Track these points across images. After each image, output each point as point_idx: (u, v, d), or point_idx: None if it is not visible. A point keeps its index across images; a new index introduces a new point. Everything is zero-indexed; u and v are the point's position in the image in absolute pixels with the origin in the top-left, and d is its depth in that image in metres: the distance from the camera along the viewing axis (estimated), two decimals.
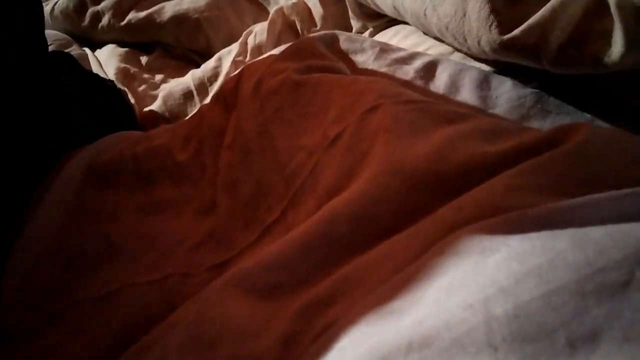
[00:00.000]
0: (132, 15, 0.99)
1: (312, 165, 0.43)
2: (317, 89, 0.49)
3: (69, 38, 1.05)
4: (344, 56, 0.58)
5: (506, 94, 0.50)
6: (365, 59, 0.56)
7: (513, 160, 0.32)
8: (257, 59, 0.63)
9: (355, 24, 0.81)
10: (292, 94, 0.49)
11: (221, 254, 0.43)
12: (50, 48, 0.98)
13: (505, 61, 0.52)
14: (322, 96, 0.48)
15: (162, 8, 0.99)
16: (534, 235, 0.24)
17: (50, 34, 1.02)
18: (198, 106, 0.78)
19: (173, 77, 0.92)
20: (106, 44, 1.03)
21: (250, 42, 0.84)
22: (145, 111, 0.82)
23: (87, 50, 1.01)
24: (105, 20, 1.00)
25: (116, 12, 1.00)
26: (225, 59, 0.84)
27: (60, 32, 1.07)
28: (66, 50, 0.98)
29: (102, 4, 1.01)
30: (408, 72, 0.55)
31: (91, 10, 1.01)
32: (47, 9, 1.07)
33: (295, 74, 0.50)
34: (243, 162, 0.48)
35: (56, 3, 1.06)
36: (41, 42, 0.65)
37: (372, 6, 0.72)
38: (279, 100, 0.49)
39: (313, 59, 0.54)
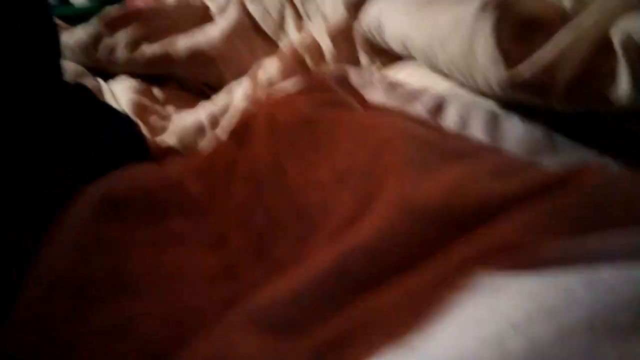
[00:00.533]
0: (145, 49, 1.02)
1: (323, 200, 0.44)
2: (328, 124, 0.50)
3: (84, 69, 1.07)
4: (354, 91, 0.59)
5: (515, 131, 0.51)
6: (374, 94, 0.57)
7: (524, 199, 0.33)
8: (269, 94, 0.64)
9: (363, 59, 0.83)
10: (305, 129, 0.50)
11: (232, 288, 0.43)
12: (66, 79, 1.00)
13: (512, 99, 0.53)
14: (333, 131, 0.49)
15: (176, 42, 1.01)
16: (545, 273, 0.24)
17: (66, 65, 1.04)
18: (209, 139, 0.80)
19: (185, 109, 0.94)
20: (120, 76, 1.05)
21: (261, 76, 0.86)
22: (157, 143, 0.83)
23: (101, 81, 1.04)
24: (119, 53, 1.03)
25: (131, 44, 1.02)
26: (236, 93, 0.85)
27: (76, 63, 1.09)
28: (81, 82, 1.00)
29: (117, 37, 1.04)
30: (417, 107, 0.56)
31: (106, 42, 1.04)
32: (63, 40, 1.10)
33: (307, 109, 0.51)
34: (255, 196, 0.49)
35: (72, 35, 1.09)
36: (57, 72, 0.66)
37: (381, 42, 0.74)
38: (291, 135, 0.50)
39: (324, 93, 0.56)
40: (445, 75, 0.62)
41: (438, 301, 0.26)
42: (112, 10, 1.10)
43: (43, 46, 0.64)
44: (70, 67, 1.06)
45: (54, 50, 0.66)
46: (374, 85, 0.58)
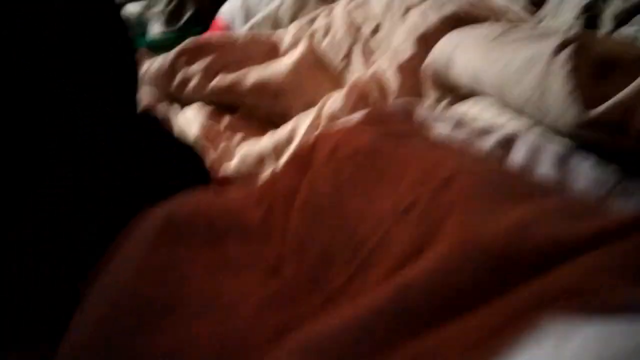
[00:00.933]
0: (218, 79, 1.06)
1: (382, 233, 0.43)
2: (392, 157, 0.49)
3: (159, 96, 1.13)
4: (420, 125, 0.59)
5: (586, 172, 0.49)
6: (441, 129, 0.57)
7: (595, 243, 0.31)
8: (333, 125, 0.65)
9: (432, 94, 0.82)
10: (367, 160, 0.50)
11: (285, 317, 0.43)
12: (142, 104, 1.06)
13: (586, 139, 0.51)
14: (396, 164, 0.49)
15: (247, 74, 1.05)
16: (615, 319, 0.24)
17: (143, 91, 1.11)
18: (272, 167, 0.81)
19: (252, 138, 0.97)
20: (193, 103, 1.10)
21: (326, 109, 0.87)
22: (222, 169, 0.86)
23: (175, 107, 1.09)
24: (193, 83, 1.08)
25: (205, 75, 1.07)
26: (301, 124, 0.87)
27: (151, 91, 1.16)
28: (154, 108, 1.06)
29: (192, 68, 1.09)
30: (485, 144, 0.55)
31: (182, 72, 1.10)
32: (143, 68, 1.17)
33: (371, 140, 0.51)
34: (313, 224, 0.49)
35: (151, 64, 1.15)
36: (132, 102, 0.71)
37: (449, 78, 0.73)
38: (353, 165, 0.50)
39: (389, 126, 0.55)
40: (516, 112, 0.60)
41: (501, 343, 0.25)
42: (189, 42, 1.16)
43: (123, 75, 0.69)
44: (146, 93, 1.12)
45: (132, 79, 0.70)
46: (441, 120, 0.58)
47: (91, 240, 0.57)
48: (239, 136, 0.99)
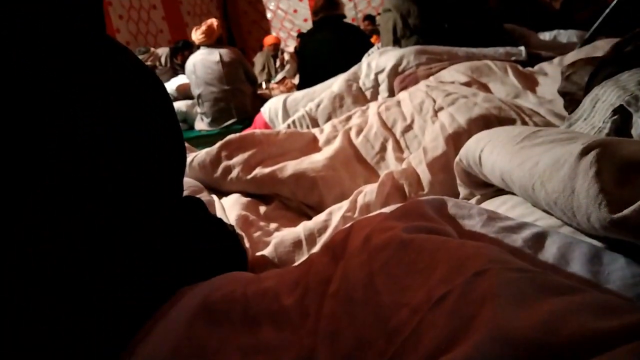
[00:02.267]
0: (257, 171, 1.12)
1: (415, 324, 0.44)
2: (424, 248, 0.51)
3: (201, 185, 1.20)
4: (452, 220, 0.60)
5: (619, 271, 0.49)
6: (472, 225, 0.58)
7: (627, 339, 0.31)
8: (367, 216, 0.67)
9: (462, 191, 0.85)
10: (400, 251, 0.52)
11: None
12: (185, 193, 1.12)
13: (617, 238, 0.51)
14: (428, 256, 0.50)
15: (285, 166, 1.11)
16: None
17: (186, 180, 1.17)
18: (306, 255, 0.83)
19: (286, 227, 1.00)
20: (231, 194, 1.15)
21: (360, 200, 0.90)
22: (257, 255, 0.88)
23: (215, 197, 1.14)
24: (234, 173, 1.14)
25: (245, 167, 1.13)
26: (335, 214, 0.90)
27: (194, 180, 1.22)
28: (197, 196, 1.11)
29: (234, 160, 1.16)
30: (516, 240, 0.55)
31: (224, 164, 1.16)
32: (188, 160, 1.24)
33: (404, 232, 0.53)
34: (346, 312, 0.50)
35: (196, 156, 1.23)
36: (179, 187, 0.75)
37: (480, 176, 0.76)
38: (386, 255, 0.52)
39: (421, 220, 0.57)
40: (546, 211, 0.62)
41: None
42: (232, 136, 1.24)
43: (174, 160, 0.74)
44: (189, 182, 1.18)
45: (181, 164, 0.75)
46: (472, 216, 0.59)
47: (132, 313, 0.59)
48: (273, 226, 1.02)
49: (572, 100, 0.87)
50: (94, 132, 0.56)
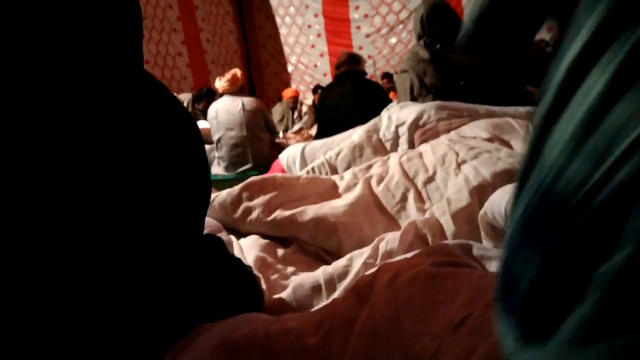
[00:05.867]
0: (277, 213, 1.12)
1: (435, 348, 0.44)
2: (448, 279, 0.51)
3: (220, 225, 1.20)
4: (477, 261, 0.60)
5: None
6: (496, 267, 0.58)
7: None
8: (391, 260, 0.67)
9: (486, 243, 0.84)
10: (425, 283, 0.52)
11: None
12: (204, 232, 1.12)
13: None
14: (452, 286, 0.50)
15: (305, 210, 1.11)
16: None
17: (206, 219, 1.17)
18: (324, 300, 0.82)
19: (303, 271, 0.99)
20: (250, 235, 1.15)
21: (382, 247, 0.90)
22: (275, 298, 0.87)
23: (233, 237, 1.14)
24: (254, 215, 1.14)
25: (265, 209, 1.14)
26: (356, 260, 0.89)
27: (214, 219, 1.22)
28: (216, 235, 1.11)
29: (255, 201, 1.17)
30: None
31: (244, 205, 1.17)
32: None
33: (429, 266, 0.53)
34: (370, 346, 0.49)
35: (217, 196, 1.24)
36: (201, 225, 0.76)
37: (505, 228, 0.75)
38: (412, 288, 0.52)
39: (448, 257, 0.57)
40: None
41: None
42: (254, 178, 1.25)
43: (199, 201, 0.75)
44: (209, 222, 1.19)
45: (205, 206, 0.77)
46: (496, 259, 0.59)
47: (149, 346, 0.58)
48: (290, 269, 1.02)
49: None
50: (127, 166, 0.57)
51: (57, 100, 0.52)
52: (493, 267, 0.58)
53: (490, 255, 0.60)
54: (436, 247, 0.61)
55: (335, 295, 0.82)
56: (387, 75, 5.94)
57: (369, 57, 6.31)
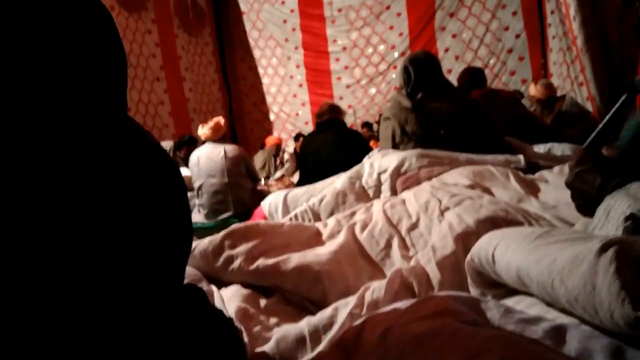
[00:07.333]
0: (260, 262, 1.10)
1: None
2: (437, 337, 0.50)
3: (200, 274, 1.16)
4: (481, 314, 0.59)
5: None
6: (490, 316, 0.57)
7: None
8: (380, 311, 0.65)
9: (473, 291, 0.83)
10: (416, 342, 0.50)
11: None
12: (185, 281, 1.09)
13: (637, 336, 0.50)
14: (440, 345, 0.49)
15: (288, 258, 1.09)
16: None
17: (186, 269, 1.14)
18: (309, 353, 0.79)
19: (286, 322, 0.96)
20: (231, 284, 1.12)
21: (368, 297, 0.88)
22: (257, 352, 0.84)
23: (214, 287, 1.11)
24: (236, 264, 1.11)
25: (248, 257, 1.11)
26: (341, 310, 0.87)
27: (195, 268, 1.19)
28: (196, 285, 1.08)
29: (237, 249, 1.14)
30: (536, 332, 0.54)
31: (226, 253, 1.14)
32: None
33: (424, 323, 0.52)
34: None
35: (198, 244, 1.21)
36: (182, 274, 0.74)
37: (493, 275, 0.74)
38: (403, 346, 0.50)
39: (441, 313, 0.56)
40: (564, 311, 0.60)
41: None
42: (236, 226, 1.23)
43: (180, 249, 0.73)
44: (189, 271, 1.15)
45: (186, 254, 0.75)
46: (490, 308, 0.58)
47: None
48: (273, 321, 0.99)
49: (580, 194, 0.89)
50: (107, 208, 0.56)
51: (39, 148, 0.51)
52: (487, 316, 0.57)
53: (483, 306, 0.59)
54: (428, 301, 0.60)
55: (320, 348, 0.79)
56: (367, 125, 6.06)
57: (349, 106, 6.45)
